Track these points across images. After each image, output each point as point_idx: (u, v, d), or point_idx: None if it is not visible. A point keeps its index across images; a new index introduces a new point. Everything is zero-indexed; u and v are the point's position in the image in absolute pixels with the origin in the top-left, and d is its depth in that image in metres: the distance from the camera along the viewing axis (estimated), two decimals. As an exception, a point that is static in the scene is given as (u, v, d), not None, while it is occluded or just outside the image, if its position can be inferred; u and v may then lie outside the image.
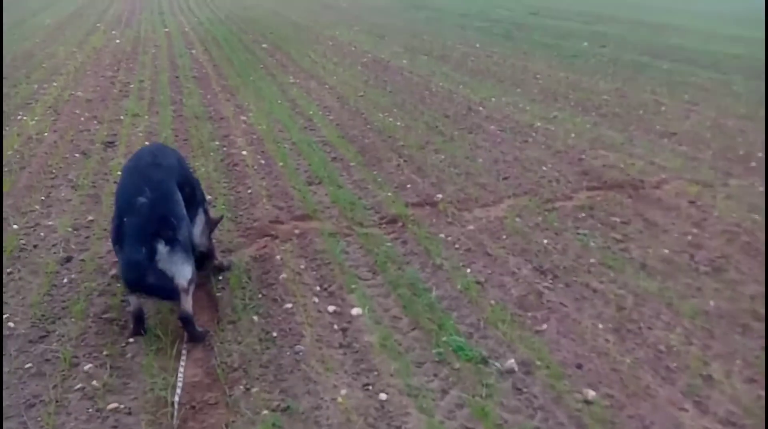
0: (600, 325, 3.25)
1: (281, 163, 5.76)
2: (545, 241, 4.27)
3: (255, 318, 3.26)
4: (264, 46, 13.40)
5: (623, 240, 4.30)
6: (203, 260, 3.50)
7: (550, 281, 3.71)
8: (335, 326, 3.22)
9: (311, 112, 7.77)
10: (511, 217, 4.63)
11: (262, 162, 5.82)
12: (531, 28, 18.97)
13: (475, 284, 3.65)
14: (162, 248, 2.72)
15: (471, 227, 4.43)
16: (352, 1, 23.57)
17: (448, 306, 3.45)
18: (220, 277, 3.66)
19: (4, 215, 4.41)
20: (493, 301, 3.48)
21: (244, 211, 4.67)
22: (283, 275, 3.69)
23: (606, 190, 5.30)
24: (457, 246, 4.16)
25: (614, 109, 8.34)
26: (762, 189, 5.36)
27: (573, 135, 6.94)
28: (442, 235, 4.33)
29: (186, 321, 2.98)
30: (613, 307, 3.44)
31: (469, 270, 3.84)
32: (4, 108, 7.33)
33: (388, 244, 4.22)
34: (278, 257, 3.92)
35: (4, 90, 8.32)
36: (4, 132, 6.45)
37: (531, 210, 4.80)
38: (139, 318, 3.10)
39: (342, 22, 18.03)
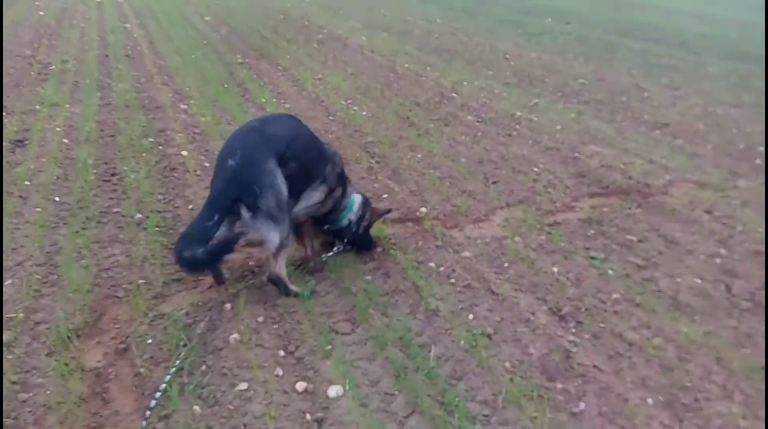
0: (649, 400, 2.54)
1: (230, 167, 4.80)
2: (555, 269, 3.54)
3: (197, 408, 2.40)
4: (207, 19, 12.14)
5: (645, 266, 3.62)
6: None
7: (574, 331, 2.97)
8: (308, 416, 2.39)
9: (263, 100, 6.78)
10: (511, 237, 3.88)
11: (207, 165, 4.84)
12: (492, 2, 18.23)
13: (483, 338, 2.88)
14: (245, 214, 2.76)
15: (467, 253, 3.65)
16: (303, -29, 22.16)
17: (453, 372, 2.67)
18: (150, 341, 2.76)
19: None
20: (508, 364, 2.72)
21: (184, 234, 3.74)
22: (235, 335, 2.82)
23: (610, 196, 4.61)
24: (452, 280, 3.38)
25: (595, 95, 7.70)
26: (776, 192, 4.81)
27: (559, 127, 6.24)
28: (432, 265, 3.53)
29: (276, 283, 3.07)
30: (657, 367, 2.75)
31: (471, 315, 3.06)
32: None
33: (368, 277, 3.39)
34: (228, 306, 3.04)
35: None
36: None
37: (531, 225, 4.06)
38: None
39: (293, -6, 16.78)
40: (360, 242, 3.61)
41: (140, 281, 3.21)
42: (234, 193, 2.75)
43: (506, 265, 3.57)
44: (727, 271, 3.57)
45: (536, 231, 4.00)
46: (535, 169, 5.07)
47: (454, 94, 7.30)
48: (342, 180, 3.43)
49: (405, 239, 3.82)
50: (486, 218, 4.19)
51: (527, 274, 3.47)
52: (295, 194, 3.06)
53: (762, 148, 5.82)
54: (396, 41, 10.89)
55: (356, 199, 3.53)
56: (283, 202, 2.87)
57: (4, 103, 6.10)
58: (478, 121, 6.29)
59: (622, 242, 3.88)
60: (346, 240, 3.56)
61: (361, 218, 3.52)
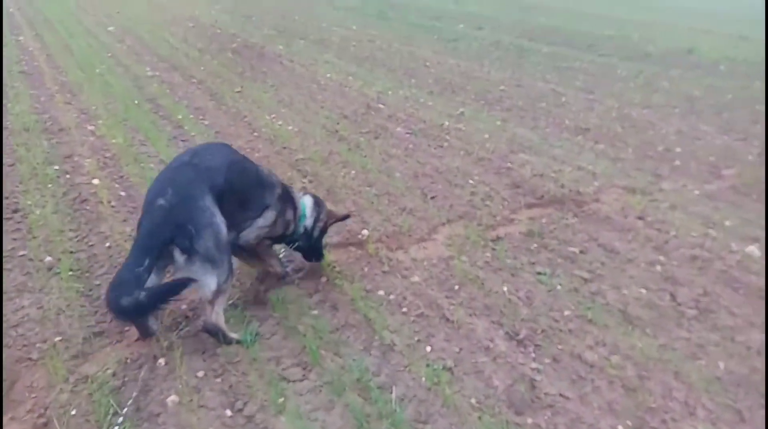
0: (619, 427, 2.49)
1: (149, 195, 4.42)
2: (505, 288, 3.46)
3: (137, 491, 2.09)
4: (110, 28, 11.39)
5: (590, 279, 3.62)
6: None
7: (534, 356, 2.90)
8: (267, 486, 2.14)
9: (179, 116, 6.36)
10: (457, 257, 3.77)
11: (122, 194, 4.44)
12: (403, 7, 18.39)
13: (444, 372, 2.74)
14: (179, 257, 2.52)
15: (416, 278, 3.50)
16: (210, -24, 21.39)
17: (417, 415, 2.51)
18: (74, 412, 2.40)
19: None
20: (474, 400, 2.59)
21: (103, 278, 3.36)
22: (173, 396, 2.51)
23: (546, 206, 4.63)
24: (404, 309, 3.22)
25: (516, 101, 7.82)
26: (697, 193, 5.01)
27: (487, 136, 6.25)
28: (381, 293, 3.36)
29: (213, 333, 2.77)
30: (620, 388, 2.71)
31: (429, 348, 2.92)
32: None
33: (314, 312, 3.17)
34: (161, 361, 2.72)
35: None
36: None
37: (474, 242, 3.98)
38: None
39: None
40: (312, 250, 3.43)
41: (56, 338, 2.83)
42: (166, 234, 2.48)
43: (456, 287, 3.46)
44: (669, 278, 3.64)
45: (481, 248, 3.93)
46: (471, 181, 5.02)
47: (380, 105, 7.17)
48: (287, 199, 3.23)
49: (349, 265, 3.63)
50: (429, 237, 4.08)
51: (478, 296, 3.37)
52: (237, 226, 2.88)
53: (679, 149, 6.08)
54: (314, 49, 10.65)
55: (307, 203, 3.35)
56: (223, 242, 2.64)
57: None
58: (407, 133, 6.20)
59: (565, 255, 3.88)
60: (297, 244, 3.37)
61: (316, 220, 3.35)
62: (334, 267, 3.58)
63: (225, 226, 2.64)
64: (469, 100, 7.79)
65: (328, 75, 8.65)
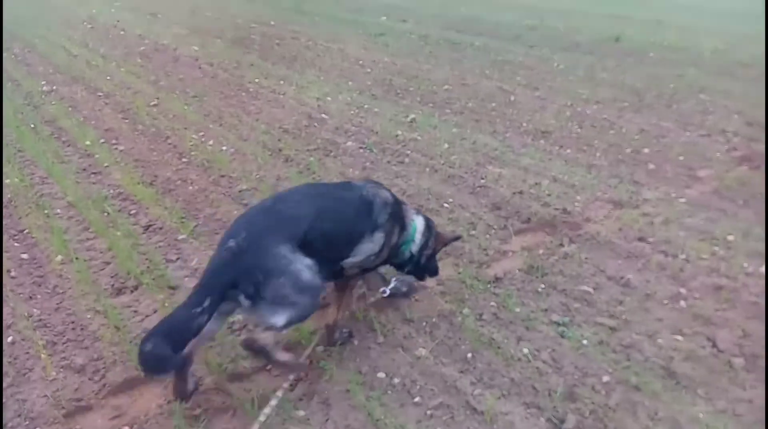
0: None
1: (59, 257, 3.48)
2: (525, 350, 2.88)
3: None
4: (-10, 34, 9.84)
5: (616, 326, 3.10)
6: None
7: (593, 452, 2.33)
8: None
9: (88, 141, 5.34)
10: (459, 311, 3.16)
11: (24, 256, 3.48)
12: (320, 1, 17.51)
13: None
14: (244, 301, 2.23)
15: (422, 351, 2.83)
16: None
17: None
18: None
19: None
20: None
21: (7, 393, 2.46)
22: None
23: (536, 232, 4.10)
24: (416, 398, 2.55)
25: (466, 103, 7.29)
26: (683, 201, 4.66)
27: (447, 145, 5.67)
28: (382, 375, 2.67)
29: (256, 351, 2.37)
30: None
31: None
32: None
33: (300, 413, 2.45)
34: None
35: None
36: None
37: (472, 287, 3.38)
38: None
39: (97, -4, 14.56)
40: (422, 272, 3.07)
41: None
42: (230, 276, 2.21)
43: (470, 356, 2.84)
44: (700, 317, 3.19)
45: (482, 294, 3.33)
46: (446, 205, 4.42)
47: (323, 115, 6.41)
48: (397, 218, 2.79)
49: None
50: (418, 284, 3.43)
51: (499, 367, 2.77)
52: (339, 257, 2.59)
53: (647, 150, 5.76)
54: (234, 50, 9.68)
55: (418, 227, 2.92)
56: (301, 285, 2.30)
57: None
58: (361, 148, 5.50)
59: (578, 296, 3.35)
60: (406, 270, 3.01)
61: (423, 247, 2.93)
62: (317, 344, 2.85)
63: (309, 270, 2.32)
64: (416, 103, 7.18)
65: (257, 80, 7.76)
